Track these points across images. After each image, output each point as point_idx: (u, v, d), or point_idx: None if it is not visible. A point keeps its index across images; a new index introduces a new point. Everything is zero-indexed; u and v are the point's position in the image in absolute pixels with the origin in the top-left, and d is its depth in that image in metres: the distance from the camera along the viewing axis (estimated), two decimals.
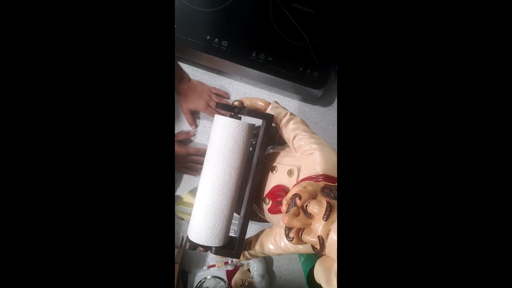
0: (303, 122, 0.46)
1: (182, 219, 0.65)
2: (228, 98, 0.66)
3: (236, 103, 0.44)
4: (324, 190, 0.36)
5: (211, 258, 0.66)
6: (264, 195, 0.45)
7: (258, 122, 0.46)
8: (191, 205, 0.64)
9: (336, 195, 0.35)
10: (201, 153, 0.65)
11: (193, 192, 0.66)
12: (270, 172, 0.45)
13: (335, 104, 0.69)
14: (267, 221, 0.50)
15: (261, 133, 0.44)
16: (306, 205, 0.35)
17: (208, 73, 0.66)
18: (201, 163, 0.61)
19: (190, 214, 0.62)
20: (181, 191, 0.67)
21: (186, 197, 0.64)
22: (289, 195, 0.37)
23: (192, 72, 0.66)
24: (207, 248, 0.43)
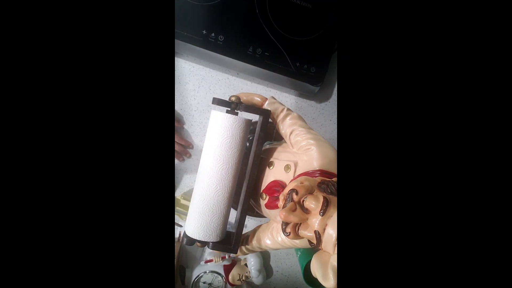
0: (300, 117, 0.46)
1: (180, 225, 0.66)
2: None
3: (233, 99, 0.44)
4: (321, 185, 0.36)
5: (209, 253, 0.66)
6: (261, 191, 0.45)
7: (255, 117, 0.46)
8: (186, 207, 0.64)
9: (333, 190, 0.35)
10: (183, 142, 0.65)
11: (187, 194, 0.66)
12: (267, 168, 0.45)
13: (332, 100, 0.69)
14: (264, 216, 0.50)
15: (258, 129, 0.44)
16: (303, 200, 0.35)
17: (205, 68, 0.66)
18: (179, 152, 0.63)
19: (185, 215, 0.62)
20: (180, 191, 0.67)
21: (181, 200, 0.64)
22: (286, 190, 0.37)
23: (189, 67, 0.65)
24: (204, 243, 0.43)
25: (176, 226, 0.66)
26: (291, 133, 0.44)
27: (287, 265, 0.71)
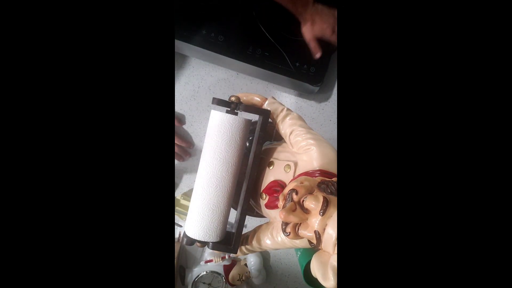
0: (300, 117, 0.46)
1: (180, 225, 0.66)
2: None
3: (232, 99, 0.44)
4: (321, 185, 0.36)
5: (208, 253, 0.66)
6: (261, 191, 0.45)
7: (254, 117, 0.46)
8: (186, 207, 0.64)
9: (332, 190, 0.35)
10: (184, 144, 0.65)
11: (187, 194, 0.66)
12: (267, 168, 0.45)
13: (332, 100, 0.69)
14: (264, 216, 0.50)
15: (257, 129, 0.44)
16: (303, 200, 0.35)
17: (205, 68, 0.66)
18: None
19: (185, 215, 0.62)
20: (180, 191, 0.67)
21: (181, 200, 0.65)
22: (286, 190, 0.37)
23: (189, 67, 0.65)
24: (204, 243, 0.43)
25: (176, 226, 0.66)
26: (291, 133, 0.44)
27: (287, 265, 0.71)
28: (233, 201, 0.44)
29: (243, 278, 0.65)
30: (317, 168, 0.41)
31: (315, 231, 0.34)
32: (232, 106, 0.43)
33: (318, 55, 0.60)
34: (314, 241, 0.35)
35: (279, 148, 0.47)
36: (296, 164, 0.42)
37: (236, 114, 0.43)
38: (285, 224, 0.36)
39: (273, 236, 0.44)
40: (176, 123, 0.65)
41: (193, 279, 0.64)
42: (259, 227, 0.48)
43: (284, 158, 0.44)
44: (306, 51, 0.61)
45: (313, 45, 0.59)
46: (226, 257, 0.65)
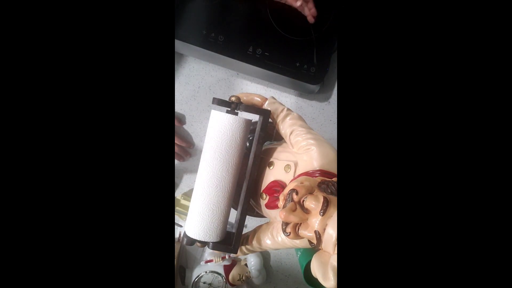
0: (300, 117, 0.46)
1: (180, 225, 0.66)
2: None
3: (233, 99, 0.44)
4: (321, 186, 0.36)
5: (209, 253, 0.66)
6: (261, 191, 0.45)
7: (255, 117, 0.46)
8: (186, 207, 0.64)
9: (333, 190, 0.35)
10: (184, 144, 0.65)
11: (187, 194, 0.66)
12: (267, 168, 0.45)
13: (332, 100, 0.69)
14: (264, 216, 0.50)
15: (258, 129, 0.44)
16: (303, 200, 0.35)
17: (205, 68, 0.66)
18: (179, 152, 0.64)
19: (185, 215, 0.62)
20: (181, 191, 0.67)
21: (181, 200, 0.65)
22: (286, 190, 0.37)
23: (189, 67, 0.65)
24: (204, 243, 0.43)
25: (176, 226, 0.66)
26: (291, 133, 0.44)
27: (287, 265, 0.71)
28: (233, 201, 0.44)
29: (243, 278, 0.65)
30: (317, 168, 0.41)
31: (315, 231, 0.34)
32: (232, 106, 0.43)
33: (298, 3, 0.59)
34: (314, 241, 0.35)
35: (279, 148, 0.47)
36: (296, 164, 0.42)
37: (236, 114, 0.43)
38: (285, 224, 0.36)
39: (273, 236, 0.44)
40: (176, 123, 0.65)
41: (193, 279, 0.64)
42: (259, 227, 0.48)
43: (284, 158, 0.44)
44: (306, 51, 0.61)
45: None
46: (226, 257, 0.65)
